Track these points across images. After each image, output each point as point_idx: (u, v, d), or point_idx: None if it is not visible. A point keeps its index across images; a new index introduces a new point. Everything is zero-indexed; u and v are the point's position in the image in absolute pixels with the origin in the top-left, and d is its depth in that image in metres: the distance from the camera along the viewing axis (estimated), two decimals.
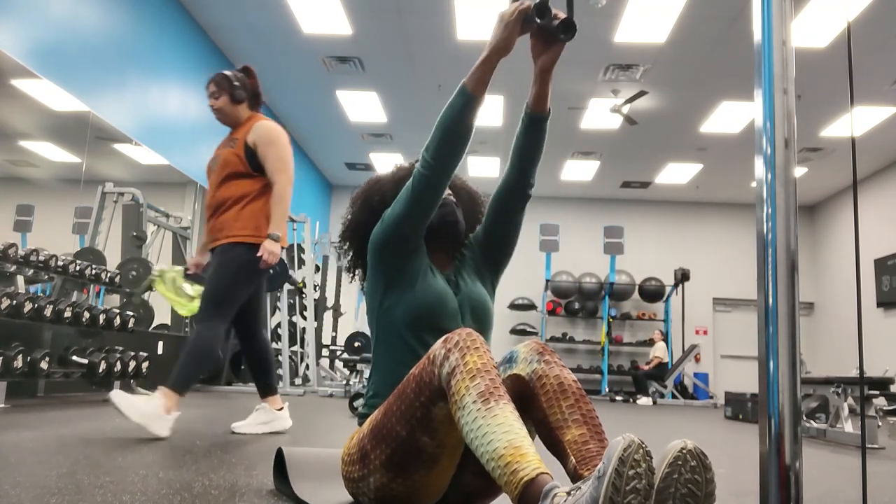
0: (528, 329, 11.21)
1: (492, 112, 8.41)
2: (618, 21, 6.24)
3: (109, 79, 5.54)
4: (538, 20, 1.30)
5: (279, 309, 7.09)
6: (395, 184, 1.54)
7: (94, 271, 4.56)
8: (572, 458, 1.18)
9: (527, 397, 1.28)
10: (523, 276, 11.44)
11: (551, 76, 1.45)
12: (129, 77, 5.82)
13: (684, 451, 0.94)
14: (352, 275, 1.65)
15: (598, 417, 1.25)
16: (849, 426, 4.23)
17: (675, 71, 7.23)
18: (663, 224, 12.18)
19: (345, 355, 8.50)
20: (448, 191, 1.60)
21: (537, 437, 1.28)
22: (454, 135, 1.38)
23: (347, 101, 8.43)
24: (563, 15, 1.36)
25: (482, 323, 1.52)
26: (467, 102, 1.36)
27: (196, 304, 3.25)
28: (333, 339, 9.68)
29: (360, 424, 1.42)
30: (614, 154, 9.97)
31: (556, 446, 1.23)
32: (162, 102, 6.44)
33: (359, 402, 4.46)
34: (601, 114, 8.29)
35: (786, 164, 1.01)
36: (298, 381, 7.57)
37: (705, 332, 11.77)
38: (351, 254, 1.62)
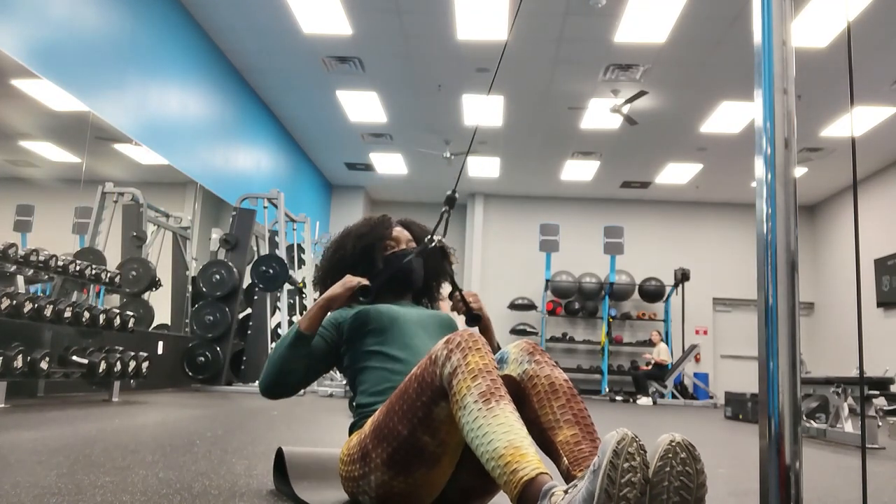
0: (528, 329, 11.21)
1: (492, 112, 8.41)
2: (618, 21, 6.23)
3: (109, 79, 5.53)
4: (362, 299, 1.61)
5: (279, 309, 7.09)
6: (357, 239, 1.70)
7: (94, 271, 4.56)
8: (565, 458, 1.19)
9: (518, 398, 1.28)
10: (523, 276, 11.47)
11: (487, 328, 1.64)
12: (129, 77, 5.82)
13: (674, 444, 0.95)
14: None
15: (590, 417, 1.26)
16: (849, 426, 4.23)
17: (675, 71, 7.23)
18: (663, 224, 12.18)
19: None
20: (410, 240, 1.75)
21: None
22: (287, 368, 1.52)
23: (347, 101, 8.43)
24: (465, 312, 1.63)
25: (446, 327, 1.64)
26: (300, 340, 1.52)
27: None
28: None
29: (350, 434, 1.45)
30: (614, 154, 9.96)
31: (548, 447, 1.24)
32: (162, 102, 6.44)
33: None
34: (601, 114, 8.29)
35: (786, 164, 1.01)
36: None
37: (705, 332, 11.77)
38: None
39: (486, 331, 1.63)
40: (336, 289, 1.56)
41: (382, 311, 1.56)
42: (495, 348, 1.60)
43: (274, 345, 1.56)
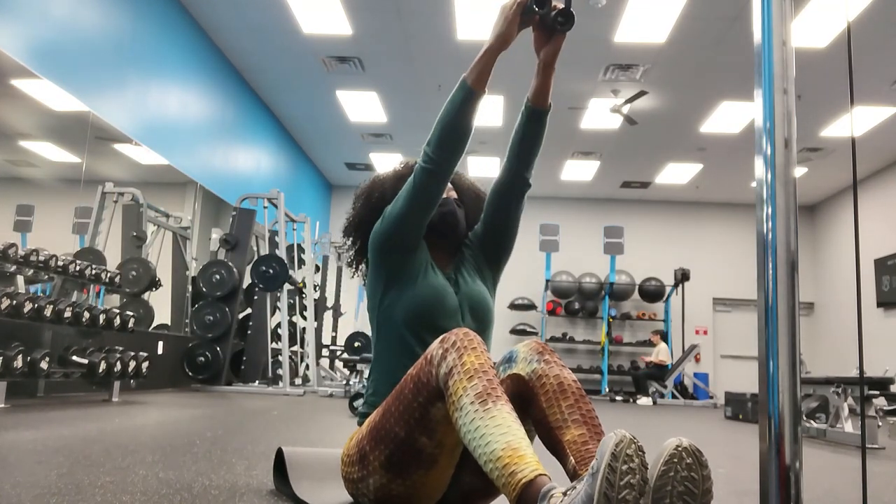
0: (528, 329, 11.21)
1: (492, 112, 8.40)
2: (618, 21, 6.23)
3: (109, 79, 5.53)
4: (538, 10, 1.32)
5: (279, 309, 7.09)
6: (396, 181, 1.56)
7: (94, 271, 4.56)
8: (572, 458, 1.18)
9: (526, 397, 1.28)
10: (523, 276, 11.45)
11: (553, 69, 1.46)
12: (129, 77, 5.82)
13: (679, 449, 0.94)
14: (353, 270, 1.66)
15: (598, 417, 1.25)
16: (849, 426, 4.23)
17: (675, 71, 7.23)
18: (663, 224, 12.18)
19: (345, 355, 8.51)
20: (451, 189, 1.61)
21: (537, 438, 1.28)
22: (455, 130, 1.37)
23: (347, 101, 8.43)
24: (560, 5, 1.37)
25: (482, 321, 1.52)
26: (468, 96, 1.36)
27: None
28: (333, 339, 9.69)
29: (360, 424, 1.43)
30: (614, 154, 9.96)
31: (555, 446, 1.22)
32: (162, 102, 6.44)
33: (359, 402, 4.46)
34: (601, 114, 8.29)
35: (786, 164, 1.01)
36: (298, 381, 7.57)
37: (705, 332, 11.77)
38: (353, 250, 1.63)
39: (554, 65, 1.43)
40: (498, 26, 1.33)
41: (433, 297, 1.44)
42: (549, 100, 1.48)
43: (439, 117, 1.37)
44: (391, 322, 1.45)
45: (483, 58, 1.35)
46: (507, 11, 1.33)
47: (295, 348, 7.96)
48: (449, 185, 1.59)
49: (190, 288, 7.04)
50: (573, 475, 1.17)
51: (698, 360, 11.34)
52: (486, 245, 1.60)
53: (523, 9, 1.33)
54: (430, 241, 1.54)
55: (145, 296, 6.17)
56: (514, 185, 1.54)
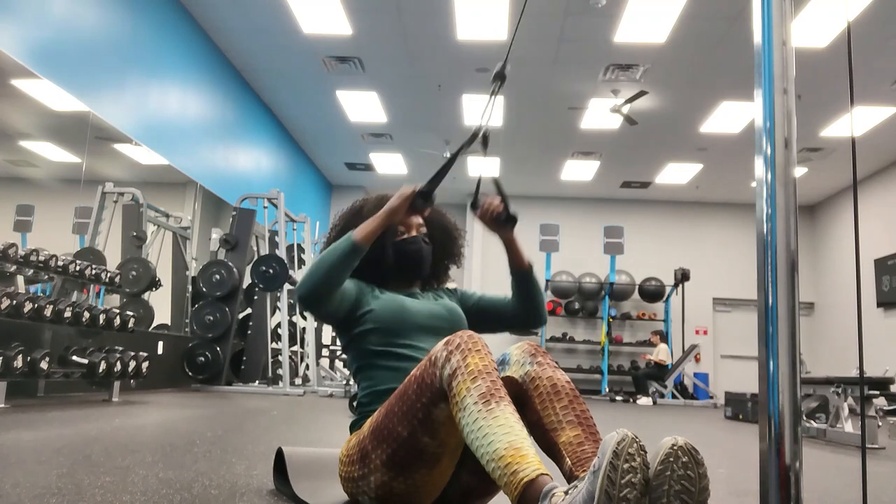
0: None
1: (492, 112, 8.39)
2: (618, 21, 6.23)
3: (109, 79, 5.53)
4: (422, 202, 1.52)
5: (279, 309, 7.09)
6: (359, 220, 1.60)
7: (94, 271, 4.56)
8: (568, 459, 1.18)
9: (520, 400, 1.28)
10: None
11: (515, 243, 1.61)
12: (129, 77, 5.81)
13: (675, 448, 0.94)
14: None
15: (593, 418, 1.25)
16: (849, 426, 4.23)
17: (675, 71, 7.23)
18: (663, 224, 12.18)
19: (345, 355, 8.51)
20: (421, 225, 1.66)
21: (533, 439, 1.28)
22: (332, 277, 1.44)
23: (347, 101, 8.42)
24: (498, 205, 1.57)
25: (452, 314, 1.58)
26: (352, 252, 1.44)
27: None
28: (333, 339, 9.68)
29: (352, 432, 1.44)
30: (614, 154, 9.96)
31: (551, 448, 1.23)
32: (162, 102, 6.44)
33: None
34: (601, 114, 8.29)
35: (786, 164, 1.01)
36: (298, 381, 7.56)
37: (705, 332, 11.77)
38: None
39: (514, 242, 1.60)
40: (393, 201, 1.49)
41: (392, 309, 1.51)
42: (527, 262, 1.62)
43: (320, 255, 1.48)
44: (364, 344, 1.50)
45: (374, 223, 1.47)
46: (402, 196, 1.50)
47: (295, 348, 7.95)
48: (420, 220, 1.66)
49: (190, 288, 7.03)
50: (569, 476, 1.17)
51: (698, 360, 11.34)
52: (470, 318, 1.66)
53: (410, 203, 1.51)
54: (394, 275, 1.61)
55: (145, 296, 6.17)
56: (525, 325, 1.66)
